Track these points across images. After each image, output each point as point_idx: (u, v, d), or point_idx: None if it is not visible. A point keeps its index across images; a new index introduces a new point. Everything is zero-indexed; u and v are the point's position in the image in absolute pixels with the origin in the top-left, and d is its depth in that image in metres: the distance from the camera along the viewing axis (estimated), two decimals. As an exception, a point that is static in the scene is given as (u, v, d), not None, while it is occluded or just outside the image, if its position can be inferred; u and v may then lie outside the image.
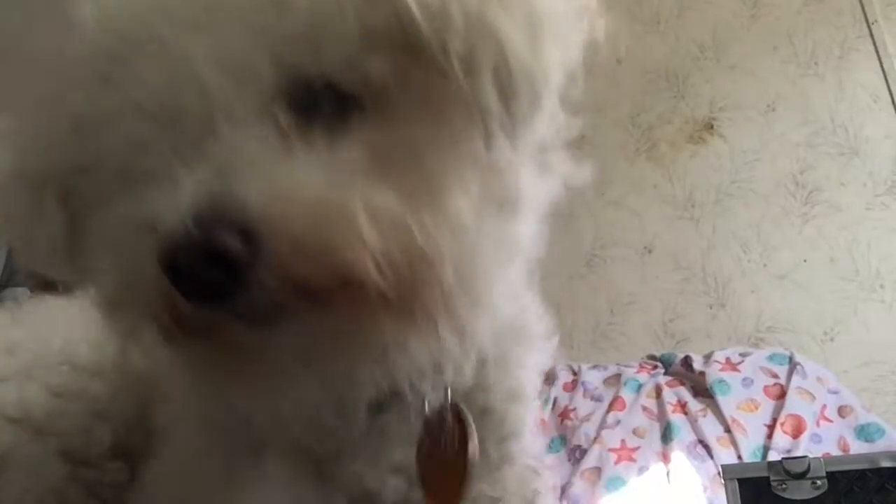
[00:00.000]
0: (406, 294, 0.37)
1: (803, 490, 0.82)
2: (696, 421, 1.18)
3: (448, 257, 0.37)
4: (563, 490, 1.07)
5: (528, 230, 0.46)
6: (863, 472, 0.81)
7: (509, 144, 0.41)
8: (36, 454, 0.60)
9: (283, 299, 0.36)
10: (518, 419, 0.57)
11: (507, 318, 0.52)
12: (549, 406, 1.34)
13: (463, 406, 0.52)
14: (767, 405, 1.21)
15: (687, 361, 1.40)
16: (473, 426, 0.52)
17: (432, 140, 0.39)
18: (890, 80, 1.98)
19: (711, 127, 2.14)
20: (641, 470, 1.11)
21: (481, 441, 0.53)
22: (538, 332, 0.58)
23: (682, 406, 1.24)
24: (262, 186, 0.35)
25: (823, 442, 1.12)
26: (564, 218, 0.49)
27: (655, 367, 1.45)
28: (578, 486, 1.08)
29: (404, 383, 0.47)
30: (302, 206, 0.35)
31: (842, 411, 1.19)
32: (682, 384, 1.33)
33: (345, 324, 0.38)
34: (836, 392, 1.25)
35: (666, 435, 1.16)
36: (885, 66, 1.99)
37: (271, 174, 0.35)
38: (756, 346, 1.81)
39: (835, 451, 1.10)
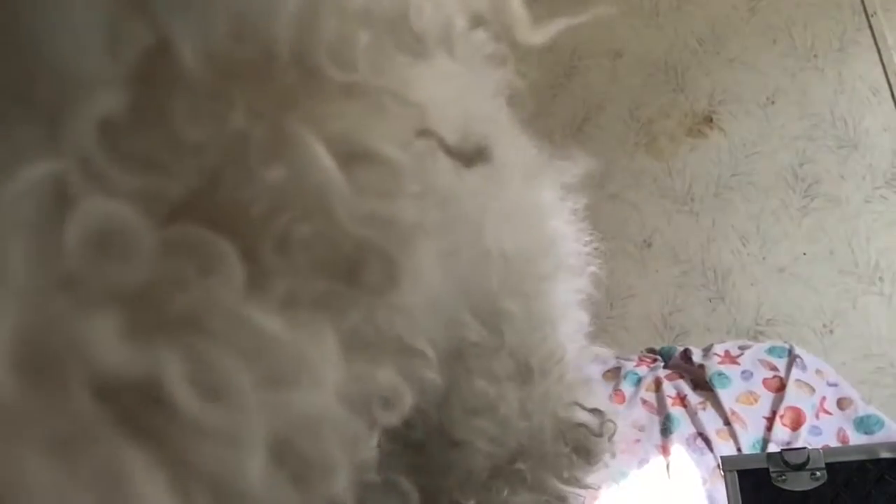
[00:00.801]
0: None
1: (802, 481, 0.82)
2: (695, 414, 1.18)
3: None
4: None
5: None
6: (862, 462, 0.82)
7: None
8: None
9: None
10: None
11: None
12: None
13: None
14: (767, 398, 1.21)
15: (686, 354, 1.40)
16: None
17: None
18: (889, 73, 1.97)
19: (711, 120, 2.14)
20: (641, 463, 1.11)
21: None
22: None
23: (682, 399, 1.24)
24: None
25: (823, 434, 1.12)
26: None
27: (655, 360, 1.45)
28: (578, 479, 1.08)
29: None
30: None
31: (841, 403, 1.20)
32: (682, 377, 1.33)
33: None
34: (835, 384, 1.25)
35: (665, 428, 1.17)
36: (884, 58, 1.98)
37: None
38: (755, 338, 1.81)
39: (834, 444, 1.10)
